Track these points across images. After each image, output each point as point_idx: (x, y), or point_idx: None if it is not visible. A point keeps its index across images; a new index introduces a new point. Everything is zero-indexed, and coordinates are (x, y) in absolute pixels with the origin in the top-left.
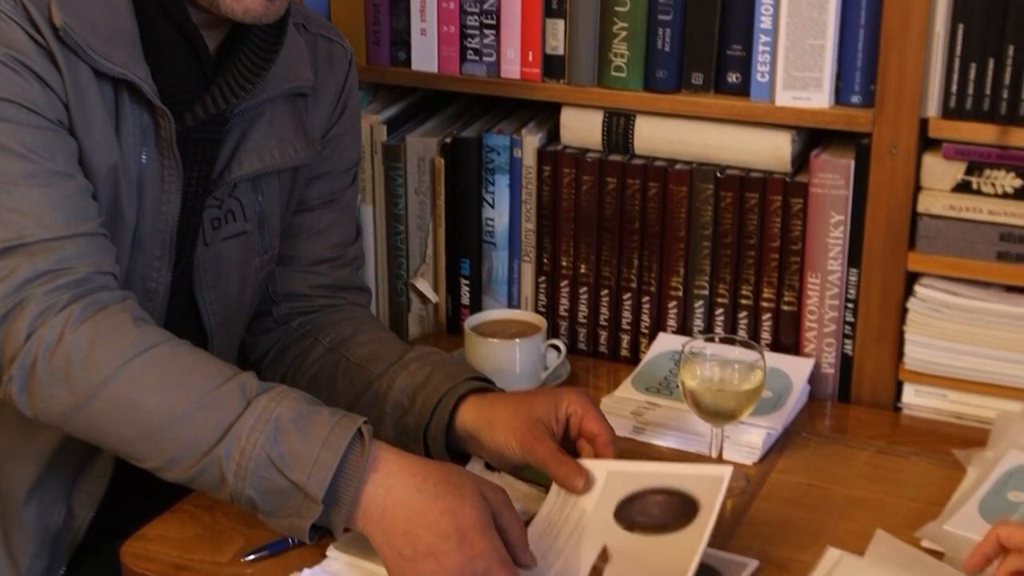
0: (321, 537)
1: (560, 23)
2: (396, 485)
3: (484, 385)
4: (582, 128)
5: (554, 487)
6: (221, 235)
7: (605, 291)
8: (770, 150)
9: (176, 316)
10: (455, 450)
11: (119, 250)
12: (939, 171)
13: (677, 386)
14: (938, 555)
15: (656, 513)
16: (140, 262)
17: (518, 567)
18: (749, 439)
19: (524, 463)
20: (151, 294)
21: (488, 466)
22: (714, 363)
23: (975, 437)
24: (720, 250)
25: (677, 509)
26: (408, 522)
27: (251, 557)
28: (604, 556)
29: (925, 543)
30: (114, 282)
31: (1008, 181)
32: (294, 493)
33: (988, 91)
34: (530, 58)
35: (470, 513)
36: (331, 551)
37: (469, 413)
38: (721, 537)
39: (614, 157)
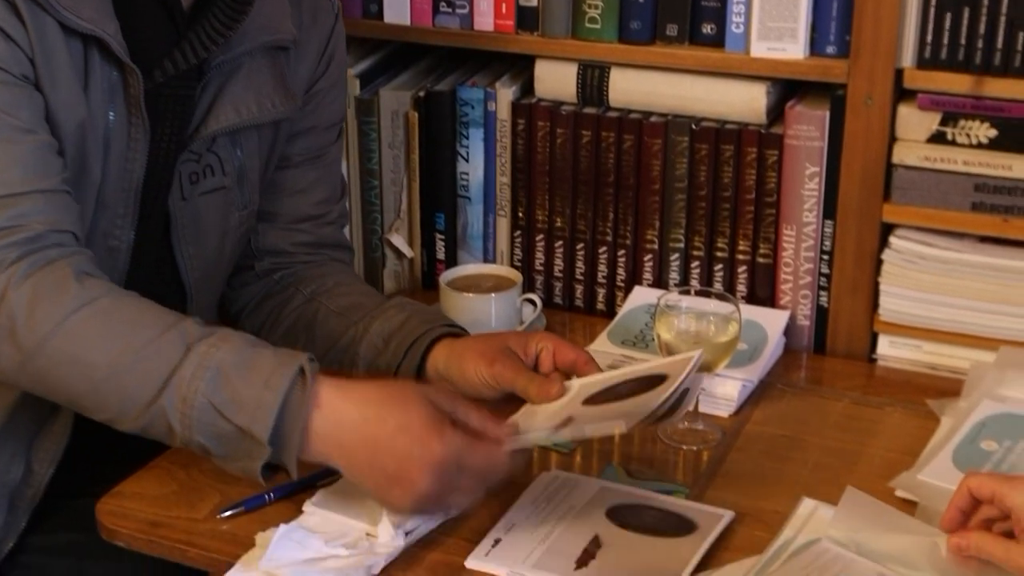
0: (273, 473)
1: None
2: (343, 420)
3: (459, 331)
4: (556, 81)
5: (523, 407)
6: (199, 190)
7: (580, 245)
8: (745, 101)
9: (151, 272)
10: None
11: (83, 208)
12: (914, 122)
13: (653, 339)
14: (912, 504)
15: (624, 393)
16: (103, 220)
17: (500, 440)
18: (725, 391)
19: (495, 392)
20: (114, 252)
21: None
22: (689, 316)
23: (949, 387)
24: (695, 203)
25: (644, 385)
26: (367, 452)
27: (227, 513)
28: (566, 422)
29: (899, 493)
30: (71, 240)
31: (983, 131)
32: (240, 437)
33: (963, 41)
34: (503, 10)
35: (418, 421)
36: (307, 506)
37: (440, 354)
38: (697, 489)
39: (589, 110)
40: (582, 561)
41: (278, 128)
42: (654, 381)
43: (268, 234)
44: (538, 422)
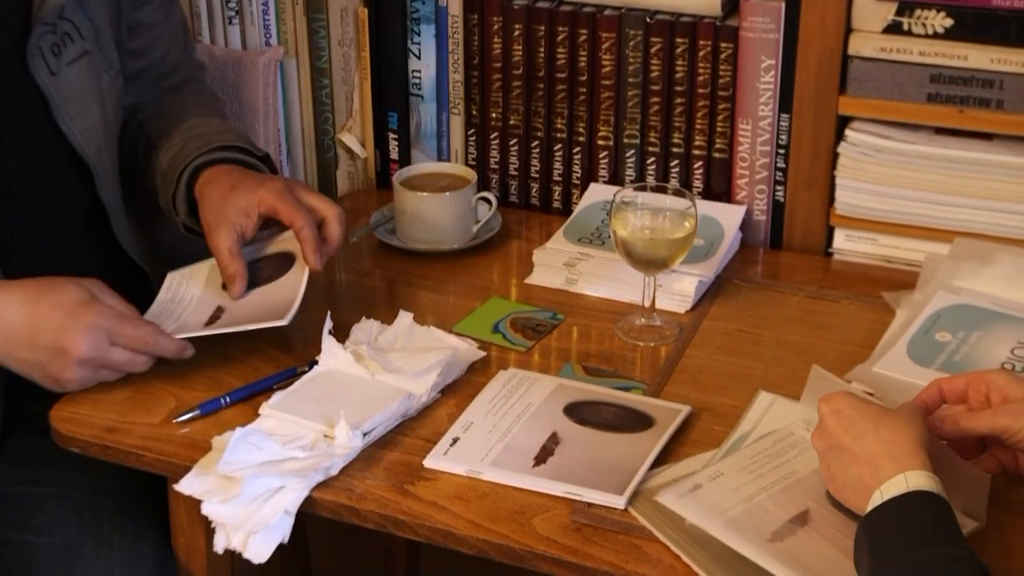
0: None
1: None
2: (6, 312)
3: (226, 156)
4: None
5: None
6: (65, 59)
7: (535, 142)
8: None
9: (46, 157)
10: None
11: None
12: (870, 12)
13: (609, 236)
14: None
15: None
16: None
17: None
18: (681, 287)
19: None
20: None
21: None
22: (645, 212)
23: (904, 280)
24: (650, 97)
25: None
26: (28, 333)
27: (183, 418)
28: (217, 314)
29: (855, 385)
30: None
31: (938, 21)
32: None
33: None
34: None
35: (69, 297)
36: (264, 409)
37: (206, 194)
38: (654, 385)
39: (542, 4)
40: (540, 458)
41: None
42: (284, 260)
43: (139, 90)
44: (191, 316)
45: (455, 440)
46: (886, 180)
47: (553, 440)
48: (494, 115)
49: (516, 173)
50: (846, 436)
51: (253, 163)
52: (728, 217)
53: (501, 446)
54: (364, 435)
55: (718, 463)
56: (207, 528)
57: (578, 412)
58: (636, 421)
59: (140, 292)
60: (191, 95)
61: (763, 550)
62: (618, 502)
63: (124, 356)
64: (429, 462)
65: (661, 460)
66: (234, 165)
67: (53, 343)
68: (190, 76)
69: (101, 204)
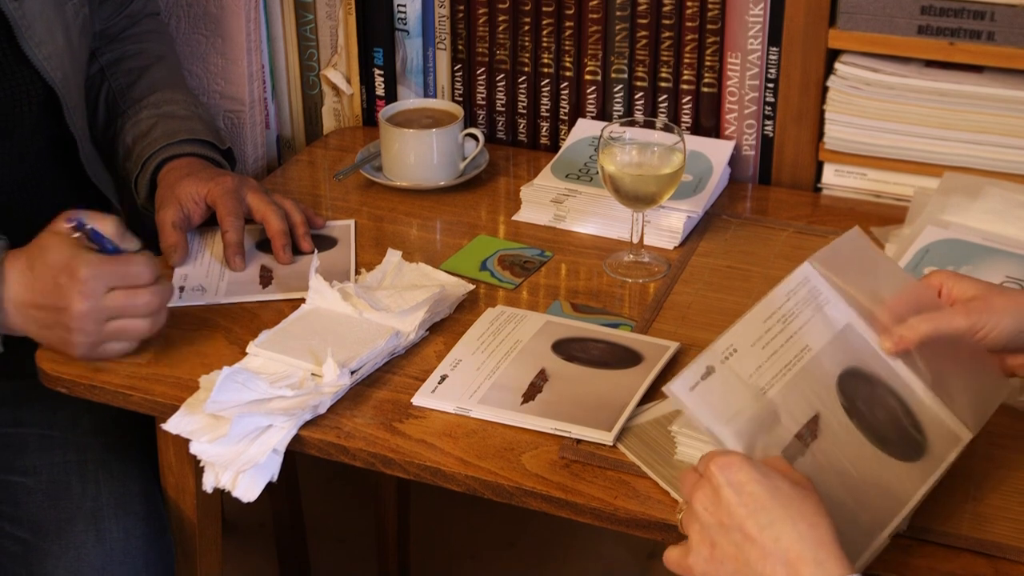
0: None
1: None
2: (22, 289)
3: (192, 151)
4: None
5: None
6: None
7: (523, 78)
8: None
9: (10, 81)
10: None
11: None
12: None
13: (597, 172)
14: None
15: None
16: None
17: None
18: (670, 223)
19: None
20: None
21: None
22: (633, 147)
23: (893, 215)
24: (638, 31)
25: None
26: (32, 300)
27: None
28: None
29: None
30: None
31: None
32: None
33: None
34: None
35: (56, 257)
36: (251, 348)
37: (165, 176)
38: (643, 322)
39: None
40: (529, 395)
41: None
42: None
43: (104, 19)
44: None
45: (443, 378)
46: (876, 114)
47: (541, 377)
48: (480, 50)
49: (503, 109)
50: (750, 521)
51: (217, 159)
52: (717, 152)
53: (489, 383)
54: (352, 373)
55: (730, 333)
56: (196, 467)
57: (566, 349)
58: (625, 358)
59: None
60: (154, 44)
61: None
62: (606, 438)
63: (120, 299)
64: (417, 400)
65: (649, 396)
66: (197, 159)
67: (53, 304)
68: (147, 6)
69: (68, 132)
